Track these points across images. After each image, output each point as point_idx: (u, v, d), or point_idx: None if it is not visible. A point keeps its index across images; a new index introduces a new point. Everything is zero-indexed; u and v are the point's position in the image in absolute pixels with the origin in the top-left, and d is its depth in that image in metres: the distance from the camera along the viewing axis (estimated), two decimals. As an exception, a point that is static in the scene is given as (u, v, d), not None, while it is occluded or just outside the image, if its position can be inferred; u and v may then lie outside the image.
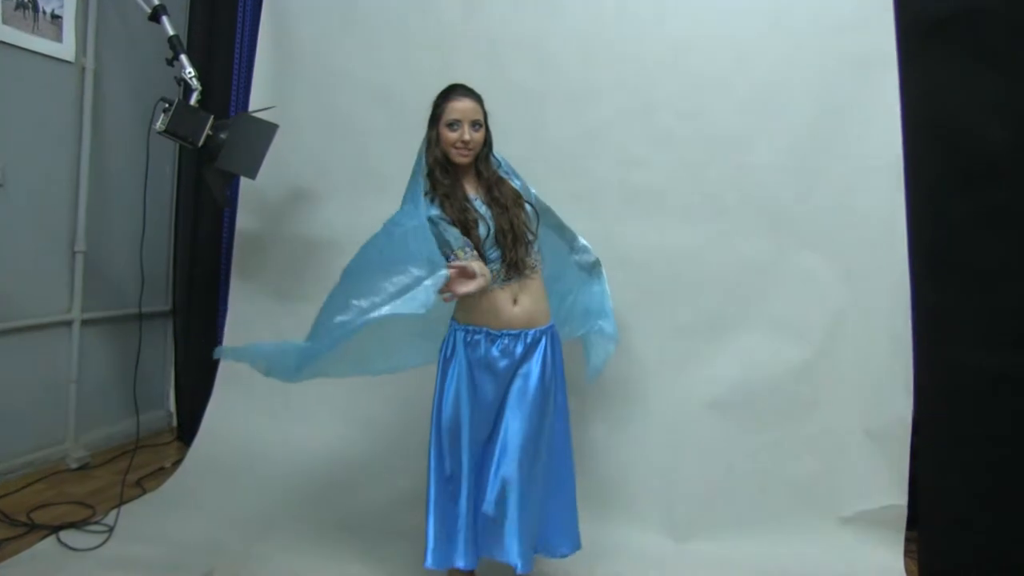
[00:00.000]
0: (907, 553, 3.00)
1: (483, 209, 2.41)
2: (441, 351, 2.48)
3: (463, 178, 2.48)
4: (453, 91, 2.43)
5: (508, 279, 2.40)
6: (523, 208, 2.46)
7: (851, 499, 3.08)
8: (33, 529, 2.96)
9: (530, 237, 2.45)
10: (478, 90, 2.47)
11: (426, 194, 2.39)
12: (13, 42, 3.35)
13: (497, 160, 2.56)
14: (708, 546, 3.05)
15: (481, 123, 2.42)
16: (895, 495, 3.02)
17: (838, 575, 2.90)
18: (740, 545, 3.04)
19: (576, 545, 2.56)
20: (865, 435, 3.08)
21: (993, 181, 1.60)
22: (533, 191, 2.60)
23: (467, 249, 2.33)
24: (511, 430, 2.40)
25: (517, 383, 2.42)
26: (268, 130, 3.32)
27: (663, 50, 3.26)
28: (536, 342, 2.44)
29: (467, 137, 2.38)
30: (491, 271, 2.35)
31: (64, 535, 2.91)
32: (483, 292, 2.32)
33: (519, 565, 2.34)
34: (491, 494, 2.37)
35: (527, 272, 2.43)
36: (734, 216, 3.19)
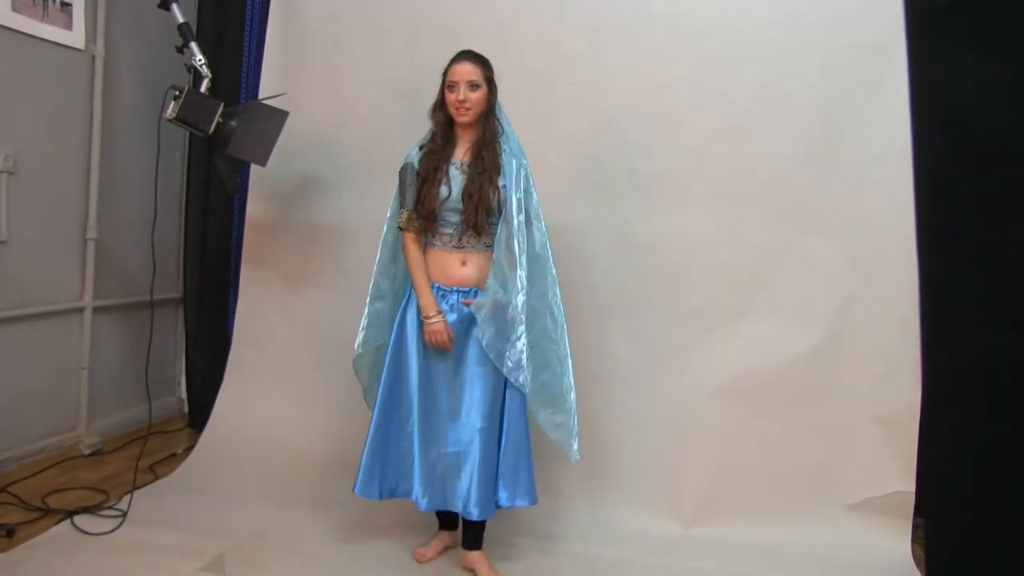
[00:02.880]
0: (914, 539, 3.01)
1: (456, 175, 2.61)
2: (400, 302, 2.75)
3: (460, 140, 2.67)
4: (456, 56, 2.65)
5: (459, 247, 2.63)
6: (495, 183, 2.60)
7: (859, 486, 3.08)
8: (48, 513, 2.99)
9: (492, 206, 2.60)
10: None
11: (420, 148, 2.68)
12: (23, 30, 3.35)
13: (502, 127, 2.69)
14: (715, 532, 3.07)
15: (478, 84, 2.59)
16: (903, 482, 3.02)
17: (845, 561, 2.91)
18: (747, 531, 3.06)
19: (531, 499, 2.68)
20: (873, 422, 3.07)
21: (999, 162, 1.60)
22: (542, 222, 2.71)
23: (400, 214, 2.65)
24: (474, 394, 2.63)
25: (472, 348, 2.63)
26: (278, 117, 3.32)
27: (673, 36, 3.25)
28: None
29: (461, 97, 2.57)
30: (445, 234, 2.63)
31: (79, 519, 2.94)
32: (432, 251, 2.66)
33: (475, 514, 2.58)
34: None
35: (483, 240, 2.63)
36: (744, 203, 3.19)
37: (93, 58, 3.72)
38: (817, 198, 3.13)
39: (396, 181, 2.70)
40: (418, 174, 2.62)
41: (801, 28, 3.12)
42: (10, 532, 2.79)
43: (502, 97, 2.70)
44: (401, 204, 2.66)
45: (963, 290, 1.29)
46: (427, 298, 2.60)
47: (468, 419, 2.62)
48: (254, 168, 3.71)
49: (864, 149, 3.07)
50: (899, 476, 3.03)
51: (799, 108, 3.13)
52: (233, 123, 3.20)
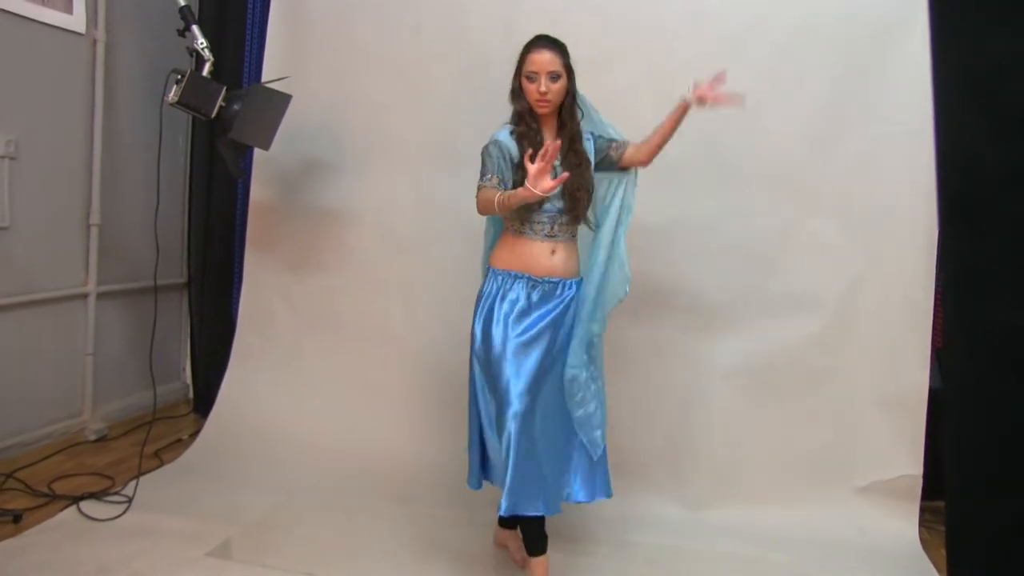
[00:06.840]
0: (922, 523, 3.01)
1: (556, 162, 2.43)
2: (480, 295, 2.53)
3: (544, 128, 2.51)
4: (534, 43, 2.46)
5: (551, 235, 2.47)
6: (589, 169, 2.51)
7: (866, 469, 3.08)
8: (54, 499, 3.00)
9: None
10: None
11: (511, 132, 2.48)
12: (23, 14, 3.33)
13: (583, 111, 2.57)
14: (722, 515, 3.07)
15: (559, 74, 2.42)
16: (910, 465, 3.02)
17: (852, 545, 2.91)
18: (754, 514, 3.06)
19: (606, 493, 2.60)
20: (881, 405, 3.07)
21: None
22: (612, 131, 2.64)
23: (502, 186, 2.43)
24: (554, 384, 2.50)
25: (560, 338, 2.51)
26: (281, 101, 3.30)
27: (678, 16, 3.22)
28: (572, 293, 2.52)
29: (543, 88, 2.41)
30: (538, 222, 2.45)
31: (84, 505, 2.94)
32: (521, 240, 2.47)
33: (546, 511, 2.43)
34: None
35: (571, 230, 2.52)
36: (750, 184, 3.16)
37: (94, 42, 3.70)
38: (824, 179, 3.11)
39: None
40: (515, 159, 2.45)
41: (807, 5, 3.08)
42: (17, 518, 2.80)
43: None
44: (488, 175, 2.44)
45: (988, 266, 1.25)
46: (524, 190, 2.28)
47: (557, 416, 2.51)
48: (257, 152, 3.69)
49: (872, 129, 3.05)
50: (907, 459, 3.03)
51: (805, 87, 3.10)
52: (236, 107, 3.18)
